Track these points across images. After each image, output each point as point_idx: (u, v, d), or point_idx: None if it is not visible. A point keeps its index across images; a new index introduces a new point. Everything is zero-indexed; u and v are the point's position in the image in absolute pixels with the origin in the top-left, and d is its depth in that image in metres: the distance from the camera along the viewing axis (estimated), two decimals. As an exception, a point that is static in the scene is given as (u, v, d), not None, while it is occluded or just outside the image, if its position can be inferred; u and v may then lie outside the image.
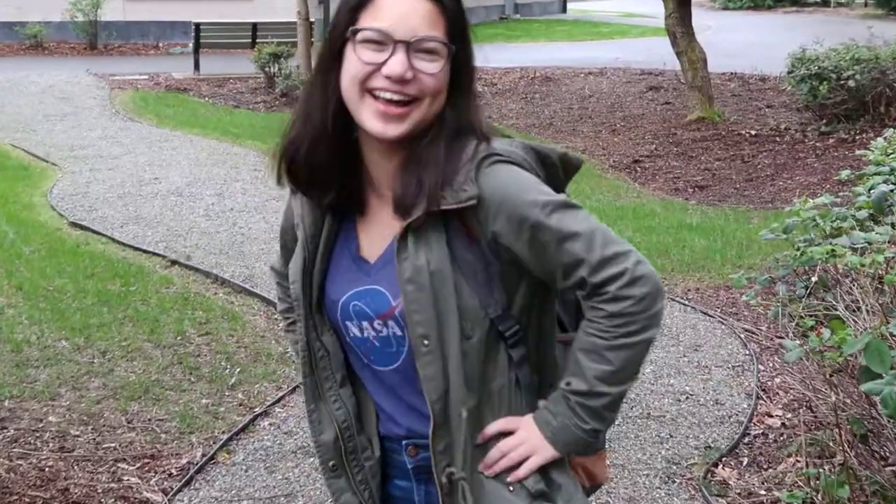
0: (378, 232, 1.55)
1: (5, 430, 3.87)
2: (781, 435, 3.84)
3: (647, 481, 3.54)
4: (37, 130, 11.16)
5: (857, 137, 9.55)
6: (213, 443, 3.83)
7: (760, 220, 7.16)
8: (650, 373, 4.45)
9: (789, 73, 10.36)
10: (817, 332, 2.89)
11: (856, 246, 3.41)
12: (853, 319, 2.95)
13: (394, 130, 1.44)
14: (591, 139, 11.03)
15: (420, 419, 1.53)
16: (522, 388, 1.55)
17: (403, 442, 1.59)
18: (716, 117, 11.19)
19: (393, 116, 1.44)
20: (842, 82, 9.73)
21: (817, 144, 9.85)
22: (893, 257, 3.10)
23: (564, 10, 33.90)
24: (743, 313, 5.24)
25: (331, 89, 1.49)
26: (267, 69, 13.90)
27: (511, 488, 1.52)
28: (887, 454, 2.95)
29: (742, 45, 18.56)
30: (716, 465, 3.62)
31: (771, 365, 4.54)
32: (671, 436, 3.88)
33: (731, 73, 14.47)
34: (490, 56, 12.03)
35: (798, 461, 3.47)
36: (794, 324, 3.64)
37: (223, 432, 3.92)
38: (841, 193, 5.64)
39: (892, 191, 4.01)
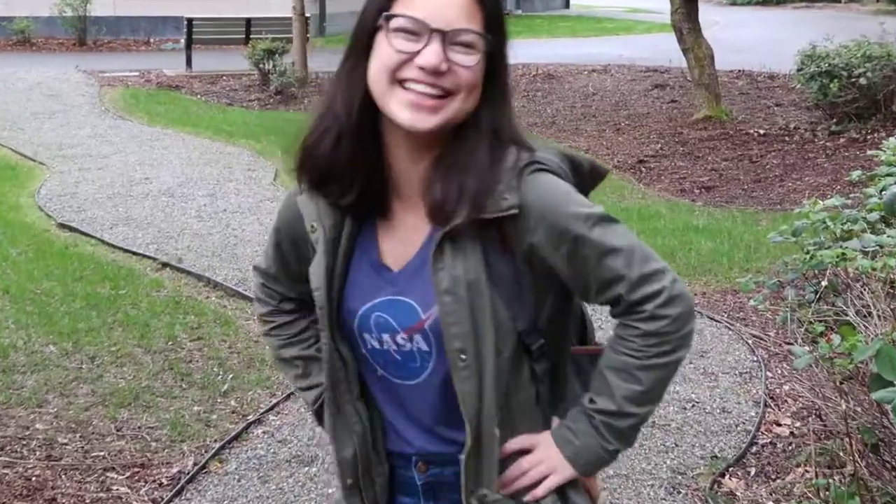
0: (400, 238, 1.50)
1: (-9, 438, 3.84)
2: (790, 444, 3.80)
3: (651, 492, 3.50)
4: (24, 129, 11.05)
5: (869, 137, 9.49)
6: (205, 451, 3.79)
7: (769, 222, 7.11)
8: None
9: (799, 70, 10.30)
10: (827, 339, 2.91)
11: (867, 249, 3.41)
12: (864, 325, 2.93)
13: (424, 122, 1.39)
14: (595, 138, 10.97)
15: (432, 438, 1.52)
16: (541, 403, 1.53)
17: (413, 458, 1.55)
18: (723, 116, 11.11)
19: (425, 107, 1.38)
20: (853, 80, 9.63)
21: (827, 144, 9.77)
22: (906, 261, 3.06)
23: (567, 5, 33.97)
24: (751, 318, 5.19)
25: (358, 78, 1.43)
26: (261, 66, 13.82)
27: None
28: (900, 465, 2.92)
29: (750, 42, 18.48)
30: (722, 476, 3.59)
31: (779, 372, 4.50)
32: (676, 445, 3.83)
33: (739, 71, 14.37)
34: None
35: (807, 471, 3.46)
36: (803, 329, 3.65)
37: (215, 440, 3.88)
38: (852, 195, 5.59)
39: (904, 192, 3.95)
